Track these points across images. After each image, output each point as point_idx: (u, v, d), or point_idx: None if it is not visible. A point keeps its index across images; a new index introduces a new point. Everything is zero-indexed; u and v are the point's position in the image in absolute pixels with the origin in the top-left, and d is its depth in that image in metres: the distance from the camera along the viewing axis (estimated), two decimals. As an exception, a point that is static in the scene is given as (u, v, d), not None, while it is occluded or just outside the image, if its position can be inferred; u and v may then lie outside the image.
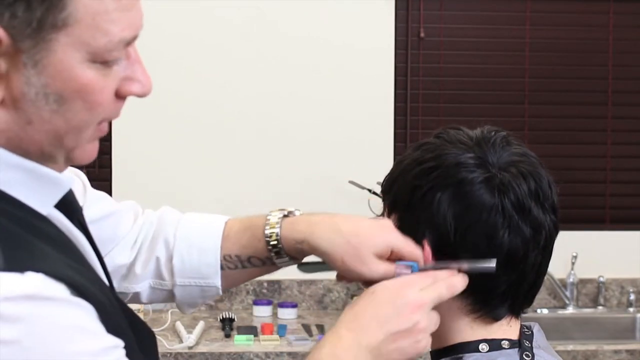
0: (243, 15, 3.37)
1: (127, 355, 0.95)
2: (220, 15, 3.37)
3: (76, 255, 1.00)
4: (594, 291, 3.46)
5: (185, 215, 1.38)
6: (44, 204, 0.98)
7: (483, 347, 1.18)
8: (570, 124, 3.50)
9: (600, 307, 3.42)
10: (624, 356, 2.90)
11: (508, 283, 1.17)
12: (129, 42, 0.96)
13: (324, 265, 1.24)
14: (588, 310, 3.41)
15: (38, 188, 0.97)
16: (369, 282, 1.17)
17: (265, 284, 3.38)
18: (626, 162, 3.53)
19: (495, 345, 1.18)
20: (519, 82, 3.48)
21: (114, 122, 3.33)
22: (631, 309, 3.40)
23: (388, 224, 1.20)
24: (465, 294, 1.16)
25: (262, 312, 3.27)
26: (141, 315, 3.01)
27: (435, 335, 1.20)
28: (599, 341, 3.07)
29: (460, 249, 1.15)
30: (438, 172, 1.16)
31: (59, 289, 0.90)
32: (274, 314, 3.28)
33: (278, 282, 3.38)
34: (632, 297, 3.40)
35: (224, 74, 3.37)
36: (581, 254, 3.39)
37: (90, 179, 3.62)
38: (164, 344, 2.81)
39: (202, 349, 2.82)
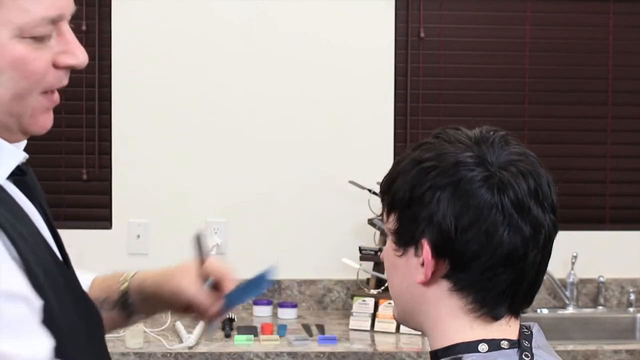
0: (243, 15, 3.37)
1: (58, 321, 1.06)
2: (220, 15, 3.37)
3: (24, 222, 1.10)
4: (594, 291, 3.46)
5: None
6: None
7: (482, 347, 1.18)
8: (570, 124, 3.50)
9: (600, 307, 3.42)
10: (624, 356, 2.90)
11: (508, 282, 1.17)
12: (55, 20, 1.09)
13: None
14: (588, 310, 3.41)
15: None
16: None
17: (265, 284, 3.37)
18: (626, 162, 3.53)
19: (494, 345, 1.18)
20: (519, 82, 3.48)
21: (113, 122, 3.37)
22: (631, 309, 3.40)
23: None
24: (465, 293, 1.17)
25: (262, 312, 3.27)
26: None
27: (435, 335, 1.21)
28: (599, 341, 3.07)
29: (460, 247, 1.15)
30: (437, 171, 1.16)
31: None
32: (274, 314, 3.28)
33: (278, 282, 3.38)
34: (632, 297, 3.40)
35: (223, 74, 3.37)
36: (581, 254, 3.39)
37: (90, 179, 3.63)
38: (164, 344, 2.81)
39: (202, 349, 2.82)
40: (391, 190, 1.21)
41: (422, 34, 3.43)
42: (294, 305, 3.27)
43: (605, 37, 3.49)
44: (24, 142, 1.17)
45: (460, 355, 1.17)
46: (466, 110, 3.45)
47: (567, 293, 3.39)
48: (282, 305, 3.26)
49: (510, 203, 1.15)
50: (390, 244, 1.23)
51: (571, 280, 3.40)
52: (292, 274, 3.40)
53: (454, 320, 1.19)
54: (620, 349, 2.91)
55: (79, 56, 1.12)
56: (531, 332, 1.22)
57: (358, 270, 3.19)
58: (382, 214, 1.27)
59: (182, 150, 3.37)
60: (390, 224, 1.22)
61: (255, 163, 3.38)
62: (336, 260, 3.28)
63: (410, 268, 1.19)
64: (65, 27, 1.12)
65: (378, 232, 3.24)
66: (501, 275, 1.16)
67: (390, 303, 3.08)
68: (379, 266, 3.21)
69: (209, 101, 3.38)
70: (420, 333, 2.94)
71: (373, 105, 3.41)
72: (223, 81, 3.38)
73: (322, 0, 3.38)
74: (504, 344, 1.18)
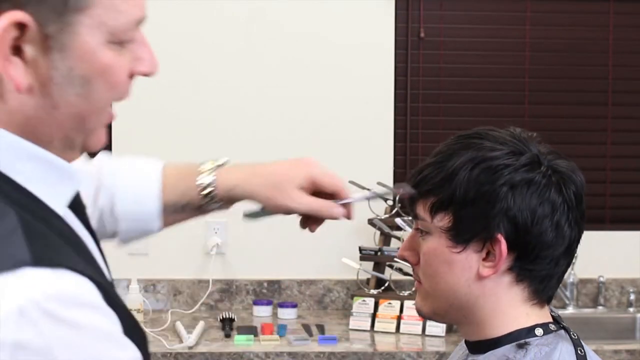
0: (244, 15, 3.37)
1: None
2: (220, 14, 3.37)
3: (87, 256, 1.00)
4: (594, 291, 3.46)
5: (121, 162, 1.43)
6: (60, 200, 0.98)
7: (539, 331, 1.25)
8: (570, 124, 3.50)
9: (600, 307, 3.42)
10: (624, 356, 2.90)
11: (562, 270, 1.27)
12: (140, 22, 0.99)
13: (265, 211, 1.36)
14: (588, 310, 3.42)
15: (55, 181, 0.97)
16: (306, 216, 1.33)
17: (265, 284, 3.38)
18: (626, 162, 3.53)
19: (545, 328, 1.26)
20: (519, 82, 3.48)
21: (114, 122, 3.36)
22: (631, 309, 3.40)
23: (309, 160, 1.34)
24: (526, 282, 1.25)
25: (262, 312, 3.27)
26: (141, 316, 3.01)
27: (490, 324, 1.26)
28: (599, 341, 3.07)
29: (533, 240, 1.22)
30: (506, 170, 1.22)
31: (91, 291, 0.88)
32: (274, 314, 3.28)
33: (278, 282, 3.38)
34: (632, 297, 3.40)
35: (224, 73, 3.37)
36: (581, 254, 3.36)
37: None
38: (164, 344, 2.81)
39: (202, 349, 2.82)
40: (444, 189, 1.24)
41: (422, 34, 3.43)
42: (294, 305, 3.27)
43: (605, 37, 3.49)
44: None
45: (526, 340, 1.24)
46: (466, 110, 3.45)
47: (567, 293, 3.40)
48: (282, 305, 3.26)
49: (575, 198, 1.24)
50: (442, 241, 1.25)
51: (571, 280, 3.40)
52: (292, 274, 3.40)
53: (513, 309, 1.25)
54: (620, 349, 2.91)
55: (152, 63, 1.03)
56: (557, 314, 1.31)
57: (358, 270, 3.19)
58: (414, 214, 1.29)
59: (182, 149, 3.36)
60: (443, 222, 1.25)
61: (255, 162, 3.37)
62: (336, 260, 3.28)
63: (471, 263, 1.24)
64: (139, 31, 1.01)
65: (378, 232, 3.24)
66: (560, 264, 1.25)
67: (390, 303, 3.08)
68: (379, 266, 3.21)
69: (208, 101, 3.38)
70: (419, 333, 2.95)
71: (373, 105, 3.41)
72: (223, 81, 3.38)
73: (322, 0, 3.38)
74: (552, 326, 1.26)
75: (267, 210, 1.35)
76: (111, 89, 0.97)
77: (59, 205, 0.97)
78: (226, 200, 1.37)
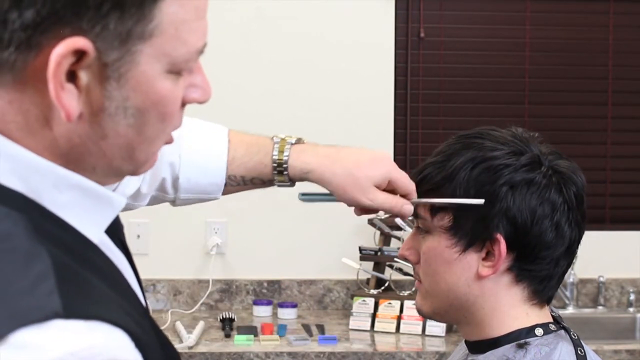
0: (243, 15, 3.37)
1: None
2: (220, 14, 3.37)
3: (122, 287, 0.95)
4: (594, 291, 3.46)
5: (186, 130, 1.42)
6: (96, 229, 0.92)
7: (539, 331, 1.25)
8: (570, 124, 3.50)
9: (600, 307, 3.42)
10: (624, 356, 2.90)
11: (562, 270, 1.26)
12: (202, 51, 0.95)
13: (328, 196, 1.34)
14: (588, 310, 3.42)
15: (92, 209, 0.91)
16: (370, 210, 1.32)
17: (265, 284, 3.38)
18: (626, 162, 3.53)
19: (545, 328, 1.25)
20: (519, 82, 3.48)
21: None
22: (631, 309, 3.40)
23: (387, 159, 1.37)
24: (526, 283, 1.24)
25: (262, 312, 3.27)
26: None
27: (491, 324, 1.26)
28: (599, 341, 3.07)
29: (533, 240, 1.22)
30: (506, 170, 1.23)
31: (123, 345, 0.82)
32: (274, 314, 3.28)
33: (278, 282, 3.38)
34: (632, 297, 3.40)
35: (223, 72, 3.37)
36: (581, 254, 3.34)
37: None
38: (164, 344, 2.81)
39: (202, 349, 2.82)
40: (445, 189, 1.25)
41: (422, 34, 3.43)
42: (294, 305, 3.27)
43: (605, 37, 3.49)
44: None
45: (526, 340, 1.24)
46: (466, 110, 3.45)
47: (567, 293, 3.40)
48: (282, 305, 3.26)
49: (575, 199, 1.25)
50: (441, 241, 1.26)
51: (571, 280, 3.40)
52: (292, 274, 3.40)
53: (513, 309, 1.25)
54: (620, 349, 2.91)
55: (206, 90, 0.96)
56: (558, 314, 1.31)
57: (358, 270, 3.19)
58: (415, 213, 1.29)
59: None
60: (443, 221, 1.25)
61: (255, 163, 3.38)
62: (336, 260, 3.28)
63: (470, 262, 1.24)
64: (198, 60, 0.96)
65: (378, 232, 3.24)
66: (560, 265, 1.25)
67: (390, 303, 3.08)
68: (379, 266, 3.21)
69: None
70: (419, 333, 2.95)
71: (373, 105, 3.41)
72: (223, 81, 3.37)
73: (322, 0, 3.38)
74: (552, 326, 1.26)
75: (331, 197, 1.34)
76: (163, 120, 0.91)
77: (95, 234, 0.91)
78: (297, 180, 1.37)
